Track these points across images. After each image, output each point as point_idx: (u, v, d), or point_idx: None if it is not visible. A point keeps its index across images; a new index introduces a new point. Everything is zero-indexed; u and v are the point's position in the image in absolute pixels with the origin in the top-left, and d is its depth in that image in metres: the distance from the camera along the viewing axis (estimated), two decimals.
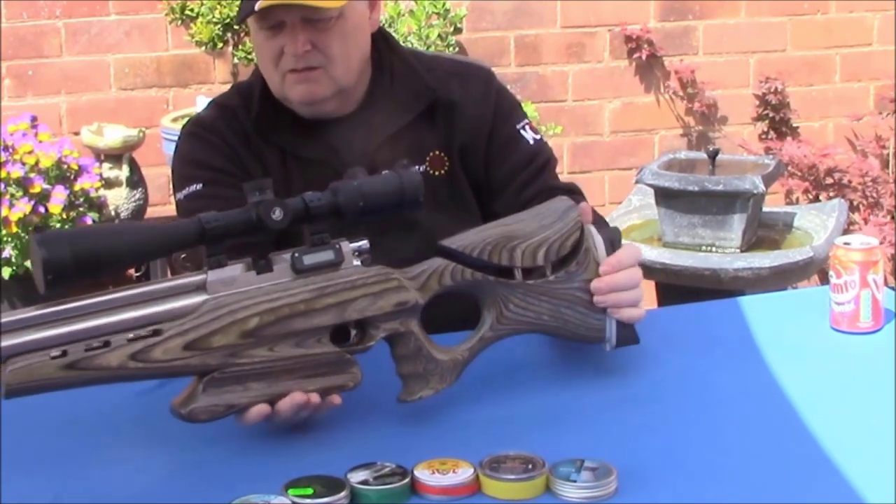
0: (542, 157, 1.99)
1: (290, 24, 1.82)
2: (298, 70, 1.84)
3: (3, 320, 1.42)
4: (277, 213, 1.49)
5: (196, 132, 1.95)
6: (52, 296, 1.43)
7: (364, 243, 1.57)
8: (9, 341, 1.41)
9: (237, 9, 1.91)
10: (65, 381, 1.43)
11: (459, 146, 1.95)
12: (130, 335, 1.45)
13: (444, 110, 1.95)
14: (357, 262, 1.56)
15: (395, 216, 1.58)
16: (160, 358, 1.46)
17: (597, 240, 1.68)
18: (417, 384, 1.59)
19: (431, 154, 1.95)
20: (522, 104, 2.14)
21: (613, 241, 1.69)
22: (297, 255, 1.53)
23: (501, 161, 1.96)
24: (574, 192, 1.97)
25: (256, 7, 1.78)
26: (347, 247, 1.56)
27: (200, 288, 1.50)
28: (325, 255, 1.54)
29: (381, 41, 1.96)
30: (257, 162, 1.92)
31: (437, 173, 1.95)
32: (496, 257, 1.62)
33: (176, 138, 3.73)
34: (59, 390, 1.44)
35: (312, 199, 1.52)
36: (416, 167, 1.90)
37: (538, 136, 2.01)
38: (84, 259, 1.42)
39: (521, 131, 1.99)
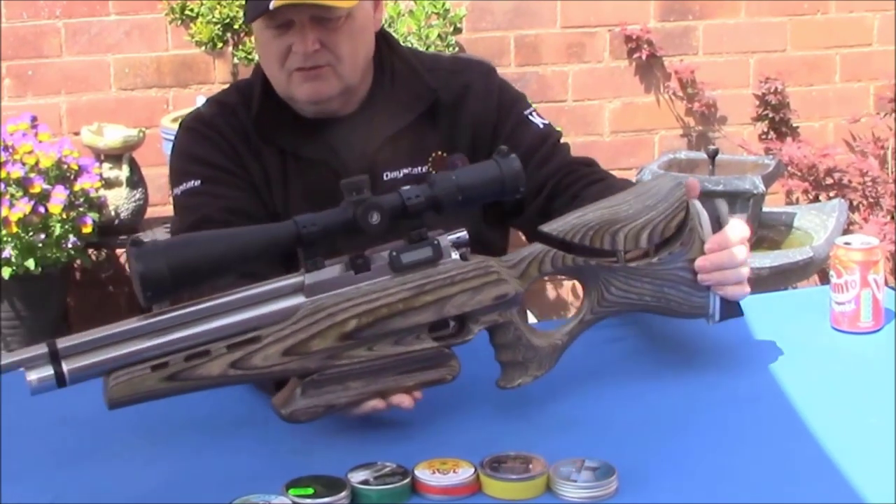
0: (553, 137, 1.98)
1: (299, 23, 1.80)
2: (306, 69, 1.83)
3: (106, 333, 1.43)
4: (375, 218, 1.49)
5: (195, 127, 1.94)
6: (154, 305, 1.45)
7: (462, 234, 1.56)
8: (112, 353, 1.42)
9: (243, 9, 1.90)
10: (166, 392, 1.45)
11: (463, 145, 1.95)
12: (229, 343, 1.46)
13: (446, 110, 1.95)
14: (456, 255, 1.55)
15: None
16: (260, 364, 1.47)
17: (702, 217, 1.65)
18: (516, 372, 1.59)
19: (434, 155, 1.94)
20: None
21: (721, 216, 1.67)
22: (395, 253, 1.52)
23: (512, 147, 1.93)
24: (593, 165, 1.97)
25: (271, 6, 1.76)
26: (446, 240, 1.55)
27: (298, 290, 1.50)
28: (424, 253, 1.53)
29: (382, 41, 1.95)
30: (256, 160, 1.91)
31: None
32: (598, 241, 1.61)
33: None
34: (160, 399, 1.45)
35: (410, 197, 1.51)
36: (420, 168, 1.90)
37: (546, 121, 2.00)
38: (180, 271, 1.43)
39: (529, 117, 1.97)
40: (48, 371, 1.40)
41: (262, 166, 1.91)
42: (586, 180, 1.92)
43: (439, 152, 1.94)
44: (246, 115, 1.92)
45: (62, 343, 1.42)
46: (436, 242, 1.53)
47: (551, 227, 1.61)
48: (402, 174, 1.91)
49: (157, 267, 1.41)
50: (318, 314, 1.49)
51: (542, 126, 1.97)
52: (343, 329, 1.49)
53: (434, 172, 1.93)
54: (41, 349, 1.41)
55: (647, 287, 1.64)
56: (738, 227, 1.67)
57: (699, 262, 1.65)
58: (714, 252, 1.64)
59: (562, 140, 2.01)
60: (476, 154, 1.94)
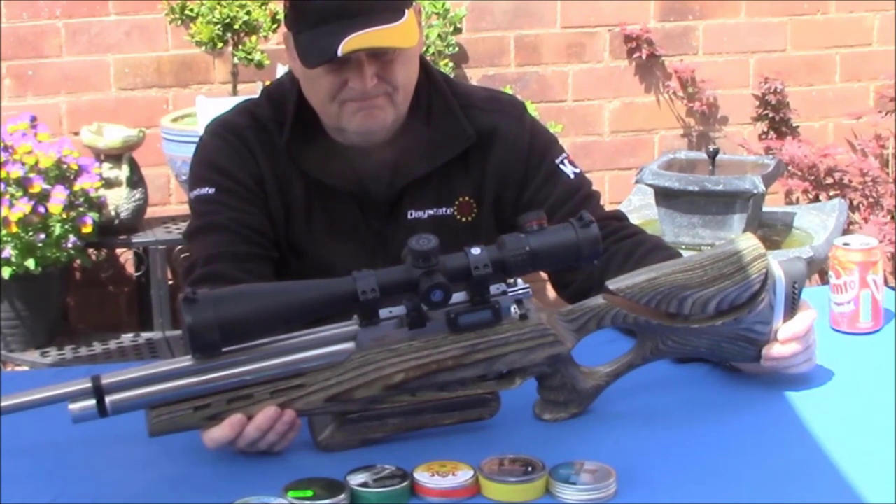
0: (585, 189, 1.94)
1: (356, 60, 1.76)
2: (361, 100, 1.79)
3: (151, 371, 1.46)
4: (437, 296, 1.47)
5: (222, 134, 1.90)
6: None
7: (527, 292, 1.54)
8: (155, 387, 1.45)
9: (295, 49, 1.79)
10: (206, 427, 1.48)
11: (489, 191, 1.91)
12: (274, 389, 1.48)
13: (477, 154, 1.90)
14: (515, 312, 1.54)
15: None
16: (301, 408, 1.49)
17: (778, 286, 1.61)
18: (555, 408, 1.60)
19: (461, 199, 1.91)
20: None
21: (797, 281, 1.63)
22: (453, 314, 1.51)
23: (542, 199, 1.89)
24: (623, 220, 1.94)
25: (339, 53, 1.71)
26: (507, 300, 1.53)
27: (350, 339, 1.50)
28: (483, 315, 1.52)
29: (421, 71, 1.88)
30: (279, 180, 1.87)
31: (464, 219, 1.91)
32: (664, 305, 1.58)
33: (176, 138, 3.71)
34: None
35: (478, 266, 1.49)
36: (445, 210, 1.88)
37: (577, 170, 1.95)
38: (230, 325, 1.43)
39: (561, 166, 1.93)
40: (90, 402, 1.44)
41: (282, 187, 1.87)
42: (615, 236, 1.88)
43: (466, 197, 1.91)
44: (277, 132, 1.88)
45: (106, 379, 1.45)
46: (497, 306, 1.52)
47: (618, 285, 1.58)
48: (426, 215, 1.89)
49: (206, 320, 1.42)
50: (367, 367, 1.50)
51: (573, 176, 1.93)
52: (389, 381, 1.50)
53: (460, 218, 1.90)
54: (85, 384, 1.44)
55: (704, 341, 1.62)
56: (805, 319, 1.64)
57: (769, 353, 1.63)
58: (787, 342, 1.62)
59: (559, 139, 1.97)
60: (500, 201, 1.91)
